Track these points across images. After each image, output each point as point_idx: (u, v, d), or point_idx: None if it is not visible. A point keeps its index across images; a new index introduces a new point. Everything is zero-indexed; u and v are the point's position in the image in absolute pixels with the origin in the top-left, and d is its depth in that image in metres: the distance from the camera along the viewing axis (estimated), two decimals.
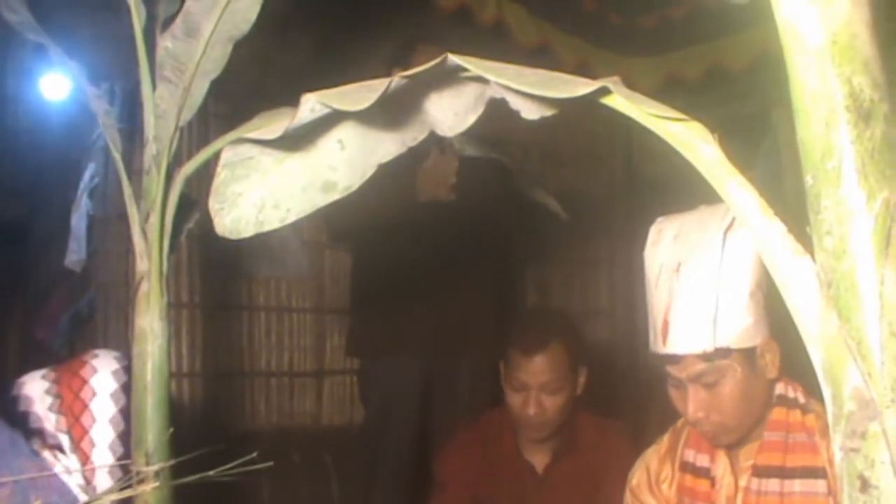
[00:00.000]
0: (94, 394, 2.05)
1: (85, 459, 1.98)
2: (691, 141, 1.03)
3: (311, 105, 1.22)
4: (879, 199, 0.87)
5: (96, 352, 2.13)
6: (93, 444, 2.01)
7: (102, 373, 2.07)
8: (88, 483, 1.97)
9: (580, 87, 1.06)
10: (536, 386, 2.86)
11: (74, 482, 1.94)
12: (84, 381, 2.06)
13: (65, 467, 1.95)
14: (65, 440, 1.99)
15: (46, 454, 1.96)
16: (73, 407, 2.03)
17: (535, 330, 2.98)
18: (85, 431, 2.02)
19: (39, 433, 1.99)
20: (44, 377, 2.08)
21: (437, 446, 3.79)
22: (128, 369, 2.02)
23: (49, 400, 2.04)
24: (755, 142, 4.27)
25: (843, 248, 0.88)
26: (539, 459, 2.99)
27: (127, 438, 1.94)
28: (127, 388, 1.99)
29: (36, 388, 2.06)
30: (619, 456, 2.75)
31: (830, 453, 1.87)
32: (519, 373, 2.88)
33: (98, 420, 2.04)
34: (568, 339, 2.98)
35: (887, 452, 0.85)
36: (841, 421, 0.89)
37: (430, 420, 3.77)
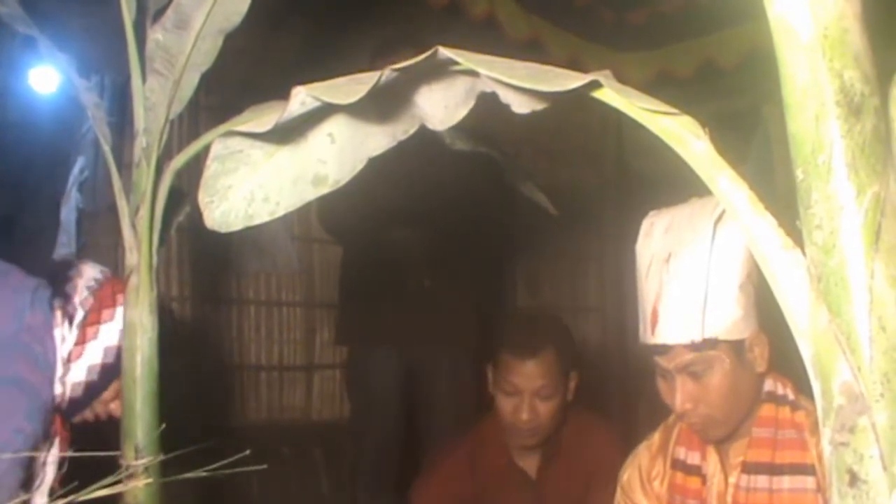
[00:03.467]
0: (113, 316, 2.12)
1: (81, 340, 2.07)
2: (682, 135, 1.03)
3: (302, 98, 1.22)
4: (869, 194, 0.87)
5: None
6: (94, 336, 2.08)
7: None
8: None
9: (571, 80, 1.06)
10: (530, 391, 2.81)
11: (63, 350, 2.05)
12: (118, 301, 2.13)
13: (61, 335, 2.03)
14: (80, 315, 2.08)
15: (59, 315, 2.05)
16: (105, 299, 2.12)
17: (528, 334, 2.91)
18: (98, 321, 2.10)
19: (66, 297, 2.08)
20: (101, 271, 2.19)
21: (419, 437, 3.82)
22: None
23: (92, 282, 2.13)
24: (746, 138, 4.28)
25: (833, 243, 0.88)
26: (530, 464, 2.97)
27: (106, 374, 2.08)
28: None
29: (89, 270, 2.16)
30: (607, 453, 2.76)
31: (820, 450, 1.87)
32: (512, 377, 2.82)
33: (110, 328, 2.11)
34: (561, 344, 2.93)
35: (876, 446, 0.86)
36: (830, 415, 0.89)
37: (413, 410, 3.80)
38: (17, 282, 2.07)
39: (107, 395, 2.14)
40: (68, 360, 2.07)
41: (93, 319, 2.10)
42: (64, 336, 2.07)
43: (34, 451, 1.94)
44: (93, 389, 2.11)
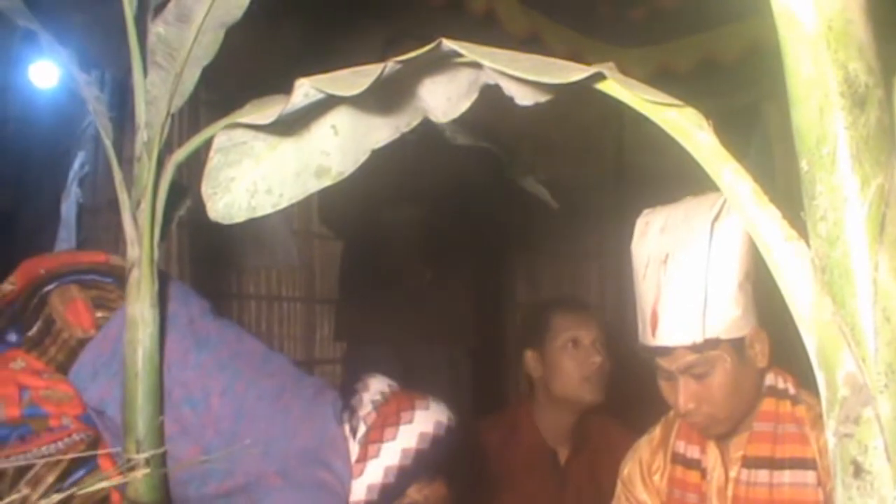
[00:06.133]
0: (396, 435, 2.11)
1: (362, 457, 2.07)
2: (686, 127, 1.03)
3: (305, 90, 1.22)
4: (874, 185, 0.87)
5: (431, 404, 2.20)
6: (376, 454, 2.07)
7: (413, 426, 2.13)
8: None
9: (574, 72, 1.06)
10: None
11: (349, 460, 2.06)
12: (407, 418, 2.13)
13: (347, 454, 2.06)
14: (362, 430, 2.08)
15: (346, 428, 2.08)
16: (388, 415, 2.11)
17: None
18: (380, 439, 2.09)
19: (352, 411, 2.10)
20: (389, 385, 2.20)
21: None
22: (438, 441, 2.13)
23: (378, 395, 2.15)
24: (746, 134, 4.28)
25: (838, 234, 0.88)
26: (562, 451, 3.08)
27: (386, 494, 2.07)
28: (419, 458, 2.10)
29: (376, 383, 2.19)
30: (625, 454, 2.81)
31: (821, 444, 1.87)
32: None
33: (392, 447, 2.09)
34: None
35: (880, 438, 0.86)
36: (835, 406, 0.89)
37: None
38: (315, 393, 2.15)
39: None
40: (350, 479, 2.06)
41: (374, 437, 2.08)
42: (349, 453, 2.07)
43: None
44: None
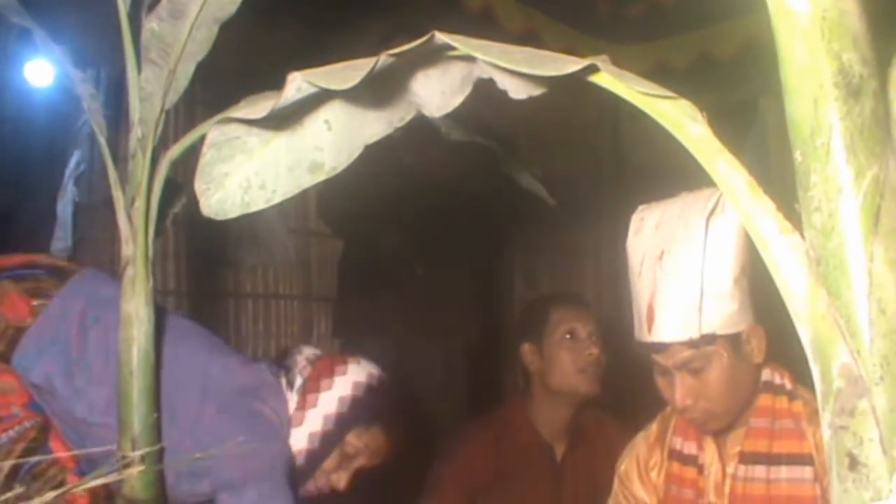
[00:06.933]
0: (332, 385, 2.25)
1: (301, 405, 2.19)
2: (680, 119, 1.02)
3: (298, 84, 1.21)
4: (868, 176, 0.86)
5: (361, 360, 2.35)
6: (314, 403, 2.20)
7: (347, 377, 2.29)
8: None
9: (568, 64, 1.05)
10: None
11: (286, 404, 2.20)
12: (341, 371, 2.28)
13: (285, 399, 2.20)
14: (299, 381, 2.22)
15: (283, 382, 2.22)
16: (323, 369, 2.26)
17: None
18: (317, 389, 2.22)
19: (287, 368, 2.27)
20: (322, 351, 2.38)
21: (414, 427, 3.86)
22: (372, 389, 2.29)
23: (311, 355, 2.30)
24: (743, 130, 4.27)
25: (832, 226, 0.87)
26: (558, 447, 3.09)
27: (327, 441, 2.20)
28: (355, 405, 2.26)
29: (310, 349, 2.38)
30: (621, 450, 2.81)
31: (817, 440, 1.87)
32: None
33: (329, 396, 2.23)
34: None
35: (876, 430, 0.85)
36: (830, 398, 0.89)
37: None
38: (253, 358, 2.35)
39: (328, 464, 2.21)
40: (289, 425, 2.18)
41: (312, 387, 2.22)
42: (287, 400, 2.20)
43: None
44: (314, 458, 2.19)
